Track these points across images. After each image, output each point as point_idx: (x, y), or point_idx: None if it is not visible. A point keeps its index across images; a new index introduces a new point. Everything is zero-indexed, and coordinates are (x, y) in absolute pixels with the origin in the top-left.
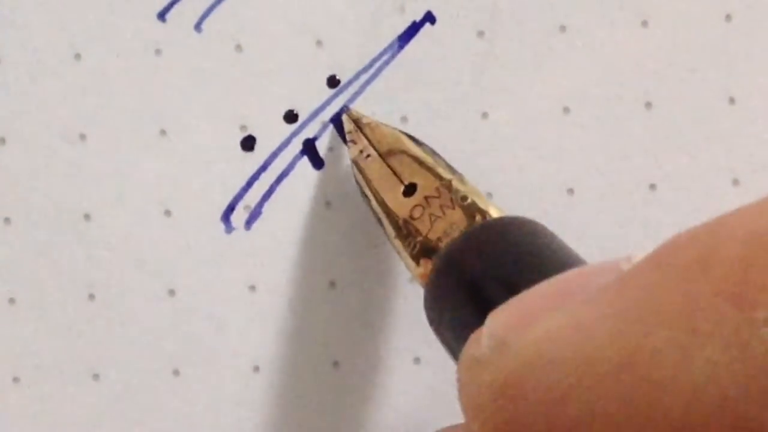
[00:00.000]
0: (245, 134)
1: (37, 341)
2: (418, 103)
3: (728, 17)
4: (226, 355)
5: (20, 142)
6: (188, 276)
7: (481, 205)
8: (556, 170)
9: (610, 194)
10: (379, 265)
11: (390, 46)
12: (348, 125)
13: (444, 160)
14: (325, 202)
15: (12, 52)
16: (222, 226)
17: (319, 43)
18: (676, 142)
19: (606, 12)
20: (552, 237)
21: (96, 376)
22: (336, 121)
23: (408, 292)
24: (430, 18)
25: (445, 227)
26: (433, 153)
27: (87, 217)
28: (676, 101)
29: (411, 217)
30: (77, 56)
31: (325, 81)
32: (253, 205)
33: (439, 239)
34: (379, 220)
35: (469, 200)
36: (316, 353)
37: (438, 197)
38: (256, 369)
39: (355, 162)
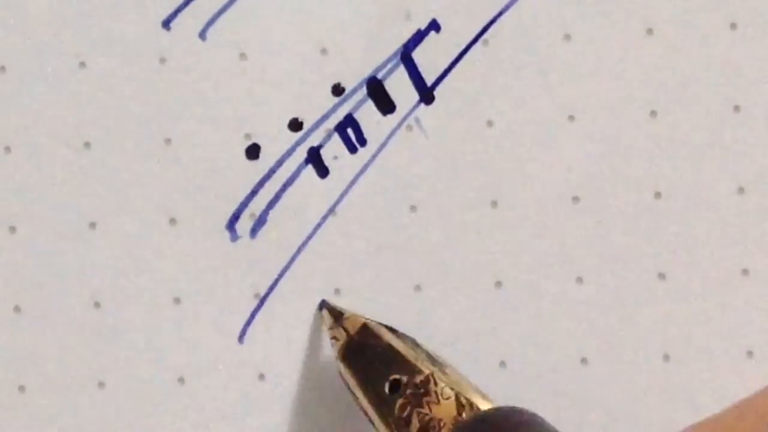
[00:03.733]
0: (250, 142)
1: (42, 349)
2: (422, 110)
3: (733, 25)
4: (231, 362)
5: (25, 150)
6: (193, 284)
7: (467, 395)
8: (561, 178)
9: (614, 202)
10: (384, 272)
11: (395, 53)
12: (328, 320)
13: (425, 351)
14: (329, 211)
15: (17, 60)
16: (227, 234)
17: (323, 51)
18: (680, 150)
19: (611, 20)
20: (543, 426)
21: (101, 384)
22: (341, 129)
23: (414, 299)
24: (435, 26)
25: (433, 423)
26: (414, 344)
27: (92, 225)
28: (681, 109)
29: (399, 415)
30: (82, 64)
31: (329, 89)
32: (258, 213)
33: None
34: (369, 418)
35: (452, 395)
36: (321, 361)
37: (422, 392)
38: (261, 377)
39: (340, 360)
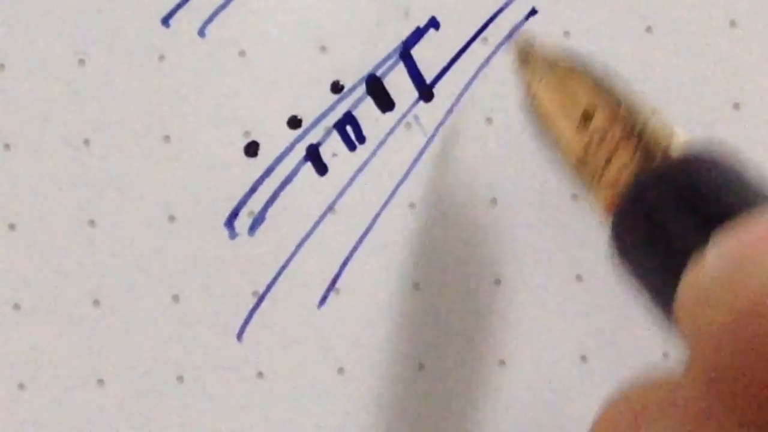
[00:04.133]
0: (249, 140)
1: (41, 347)
2: (422, 107)
3: (733, 23)
4: (230, 361)
5: (24, 148)
6: (192, 282)
7: (663, 137)
8: (560, 176)
9: None
10: (386, 270)
11: (394, 51)
12: (518, 50)
13: (615, 88)
14: (328, 208)
15: (16, 58)
16: (226, 231)
17: (322, 48)
18: None
19: (610, 18)
20: (743, 175)
21: (100, 382)
22: (340, 126)
23: (413, 298)
24: (434, 23)
25: (622, 163)
26: (605, 81)
27: (91, 222)
28: (681, 106)
29: (587, 150)
30: (81, 62)
31: (328, 86)
32: (256, 210)
33: (619, 171)
34: (558, 146)
35: (647, 133)
36: (321, 359)
37: (614, 129)
38: (260, 375)
39: (528, 87)
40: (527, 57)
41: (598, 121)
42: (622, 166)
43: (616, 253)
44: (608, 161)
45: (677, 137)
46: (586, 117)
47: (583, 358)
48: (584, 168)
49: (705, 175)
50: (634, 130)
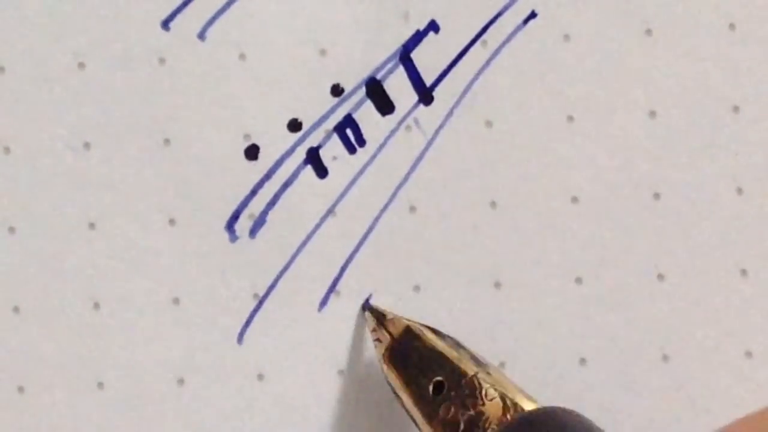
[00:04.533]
0: (249, 143)
1: (41, 350)
2: (422, 110)
3: (732, 26)
4: (230, 363)
5: (24, 151)
6: (192, 284)
7: (511, 396)
8: (559, 178)
9: (614, 203)
10: (383, 273)
11: (394, 54)
12: (371, 323)
13: (468, 352)
14: (329, 211)
15: (16, 61)
16: (226, 234)
17: (322, 51)
18: (680, 150)
19: (610, 20)
20: (590, 427)
21: (100, 385)
22: (340, 129)
23: (413, 300)
24: (433, 26)
25: (479, 424)
26: (457, 345)
27: (91, 225)
28: (680, 110)
29: (444, 416)
30: (81, 65)
31: (328, 89)
32: (257, 213)
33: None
34: (414, 420)
35: (497, 395)
36: (321, 361)
37: (467, 393)
38: (261, 377)
39: (384, 362)
40: (380, 329)
41: (449, 390)
42: (480, 426)
43: None
44: (465, 421)
45: (528, 400)
46: (438, 388)
47: (582, 361)
48: (434, 424)
49: (558, 426)
50: (483, 396)
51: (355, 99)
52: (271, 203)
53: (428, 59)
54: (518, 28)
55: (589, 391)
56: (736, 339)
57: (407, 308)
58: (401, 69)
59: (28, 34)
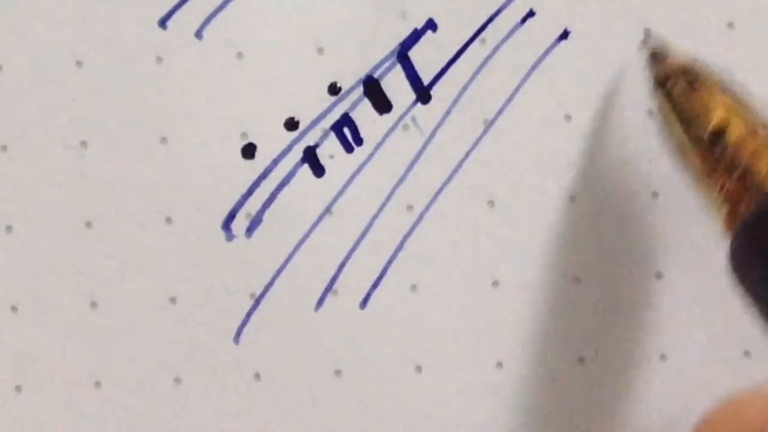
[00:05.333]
0: (246, 142)
1: (38, 349)
2: (420, 109)
3: (730, 25)
4: (227, 362)
5: (22, 150)
6: (189, 283)
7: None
8: (557, 177)
9: (611, 202)
10: (383, 272)
11: (391, 53)
12: (651, 49)
13: (750, 106)
14: (326, 210)
15: (14, 60)
16: (223, 233)
17: (320, 50)
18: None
19: (607, 20)
20: None
21: (97, 384)
22: (337, 128)
23: (411, 300)
24: (431, 25)
25: (752, 179)
26: (739, 99)
27: (88, 224)
28: None
29: (716, 164)
30: (79, 63)
31: (326, 88)
32: (253, 212)
33: (748, 181)
34: (683, 153)
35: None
36: (318, 361)
37: (746, 146)
38: (257, 377)
39: (661, 85)
40: (660, 57)
41: (731, 136)
42: (753, 182)
43: (735, 266)
44: (740, 176)
45: None
46: (717, 131)
47: (581, 360)
48: (709, 181)
49: None
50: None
51: (352, 98)
52: (268, 202)
53: (426, 58)
54: (516, 27)
55: (587, 390)
56: (734, 338)
57: (405, 308)
58: (399, 68)
59: (26, 32)
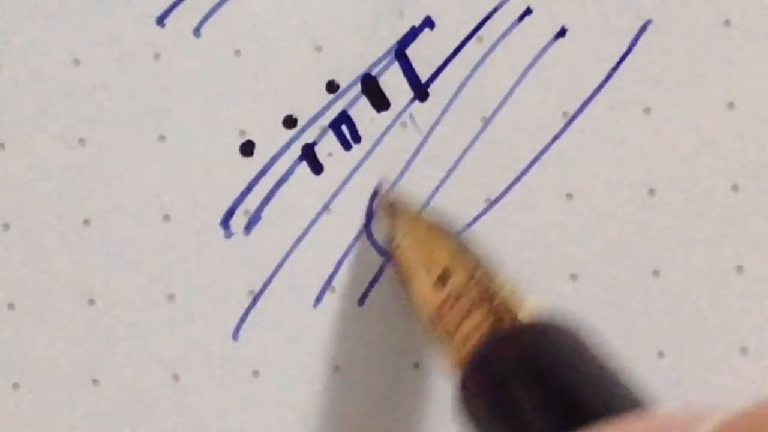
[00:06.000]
0: (244, 139)
1: (36, 346)
2: (418, 107)
3: (727, 22)
4: (225, 360)
5: (19, 147)
6: (188, 281)
7: (513, 303)
8: (554, 175)
9: (609, 199)
10: (377, 271)
11: (389, 50)
12: (382, 212)
13: (473, 252)
14: (324, 207)
15: (11, 57)
16: (221, 230)
17: (318, 47)
18: (674, 146)
19: (604, 17)
20: (587, 347)
21: (95, 381)
22: (335, 125)
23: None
24: (429, 23)
25: (473, 324)
26: (464, 245)
27: (86, 222)
28: (675, 106)
29: (442, 307)
30: (76, 61)
31: (324, 86)
32: (252, 209)
33: (467, 336)
34: (412, 307)
35: (499, 298)
36: (317, 358)
37: (468, 292)
38: (256, 374)
39: (390, 250)
40: (394, 211)
41: (455, 281)
42: (475, 327)
43: (460, 409)
44: (461, 321)
45: (528, 305)
46: (445, 277)
47: None
48: (439, 324)
49: (549, 342)
50: (487, 294)
51: (350, 95)
52: (266, 200)
53: (424, 55)
54: (514, 25)
55: None
56: (731, 335)
57: (402, 306)
58: (396, 65)
59: (23, 30)
